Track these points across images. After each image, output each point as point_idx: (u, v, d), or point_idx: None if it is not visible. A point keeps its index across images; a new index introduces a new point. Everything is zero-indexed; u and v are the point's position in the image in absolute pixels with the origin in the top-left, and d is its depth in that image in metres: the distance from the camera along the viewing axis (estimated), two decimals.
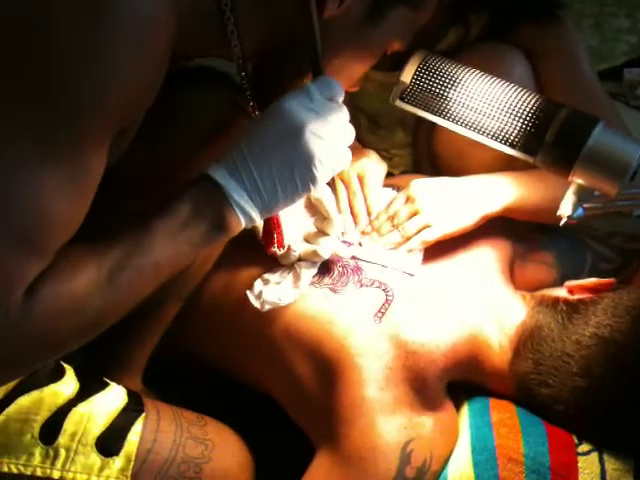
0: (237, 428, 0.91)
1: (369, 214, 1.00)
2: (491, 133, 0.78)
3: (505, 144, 0.77)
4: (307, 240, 0.95)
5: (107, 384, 0.84)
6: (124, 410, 0.81)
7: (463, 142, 0.85)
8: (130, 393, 0.85)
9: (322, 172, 0.70)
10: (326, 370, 0.87)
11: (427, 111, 0.81)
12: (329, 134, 0.70)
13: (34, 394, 0.77)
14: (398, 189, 1.04)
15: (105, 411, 0.80)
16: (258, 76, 0.82)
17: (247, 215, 0.69)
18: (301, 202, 0.96)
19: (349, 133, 0.74)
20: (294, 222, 0.95)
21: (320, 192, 0.91)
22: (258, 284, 0.93)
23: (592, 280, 0.91)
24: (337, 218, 0.92)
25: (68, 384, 0.80)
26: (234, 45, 0.73)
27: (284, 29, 0.75)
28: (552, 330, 0.88)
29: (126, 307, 0.67)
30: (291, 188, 0.70)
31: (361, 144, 1.18)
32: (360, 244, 0.98)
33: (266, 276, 0.94)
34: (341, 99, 0.74)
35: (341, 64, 0.79)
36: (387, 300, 0.90)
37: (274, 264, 0.95)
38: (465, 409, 0.90)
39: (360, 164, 1.03)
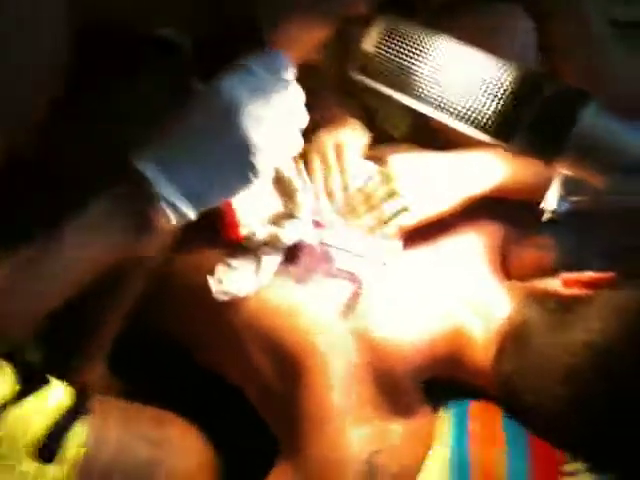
0: (204, 418, 0.85)
1: (345, 190, 0.90)
2: (460, 113, 0.67)
3: (476, 127, 0.66)
4: (274, 222, 0.86)
5: (49, 382, 0.79)
6: (66, 411, 0.76)
7: None
8: (77, 391, 0.79)
9: (263, 161, 0.61)
10: (288, 368, 0.80)
11: (390, 86, 0.70)
12: (272, 117, 0.61)
13: None
14: (382, 162, 0.94)
15: (43, 413, 0.75)
16: (207, 50, 0.73)
17: (178, 211, 0.61)
18: (268, 179, 0.87)
19: (300, 114, 0.64)
20: (259, 202, 0.86)
21: (285, 168, 0.83)
22: (221, 269, 0.86)
23: (589, 274, 0.81)
24: (304, 198, 0.84)
25: (1, 384, 0.75)
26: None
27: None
28: (539, 330, 0.78)
29: (34, 313, 0.61)
30: (228, 180, 0.62)
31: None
32: (333, 225, 0.88)
33: (229, 260, 0.86)
34: (290, 74, 0.64)
35: (289, 33, 0.69)
36: (356, 293, 0.81)
37: (240, 246, 0.87)
38: (445, 412, 0.82)
39: (338, 134, 0.92)
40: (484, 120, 0.66)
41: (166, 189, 0.59)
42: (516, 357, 0.79)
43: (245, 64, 0.62)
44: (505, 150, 0.65)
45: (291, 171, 0.83)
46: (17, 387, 0.76)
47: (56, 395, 0.77)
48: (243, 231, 0.84)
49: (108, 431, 0.77)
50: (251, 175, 0.62)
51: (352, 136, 0.93)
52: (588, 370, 0.73)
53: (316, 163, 0.92)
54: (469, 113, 0.66)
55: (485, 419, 0.80)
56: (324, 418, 0.76)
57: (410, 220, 0.84)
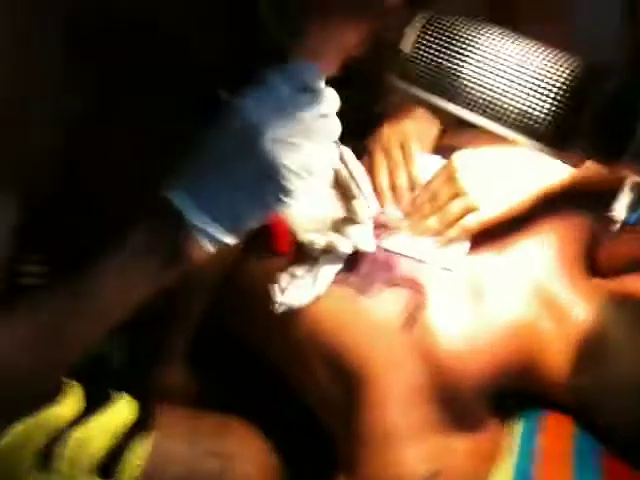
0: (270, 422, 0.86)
1: (412, 190, 0.84)
2: (509, 119, 0.59)
3: (528, 134, 0.59)
4: (335, 228, 0.82)
5: (114, 399, 0.80)
6: (130, 429, 0.78)
7: None
8: (141, 407, 0.81)
9: (296, 181, 0.58)
10: (348, 382, 0.77)
11: (431, 91, 0.63)
12: (300, 135, 0.57)
13: (28, 421, 0.75)
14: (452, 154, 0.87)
15: (107, 432, 0.77)
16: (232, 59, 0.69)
17: (212, 238, 0.59)
18: (328, 181, 0.83)
19: (331, 127, 0.60)
20: (318, 207, 0.83)
21: (347, 168, 0.78)
22: (284, 278, 0.83)
23: None
24: (363, 205, 0.79)
25: (67, 405, 0.77)
26: None
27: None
28: (619, 338, 0.71)
29: (74, 355, 0.61)
30: (260, 202, 0.59)
31: None
32: (399, 227, 0.83)
33: (292, 269, 0.84)
34: (318, 85, 0.59)
35: (317, 44, 0.64)
36: (419, 303, 0.76)
37: (303, 253, 0.84)
38: (515, 424, 0.76)
39: (402, 128, 0.86)
40: (536, 125, 0.58)
41: (198, 217, 0.57)
42: (593, 368, 0.72)
43: (267, 80, 0.58)
44: (561, 159, 0.57)
45: (349, 175, 0.78)
46: (82, 405, 0.78)
47: (119, 413, 0.79)
48: (303, 238, 0.81)
49: (173, 446, 0.78)
50: (283, 196, 0.58)
51: (418, 128, 0.86)
52: None
53: (380, 160, 0.86)
54: (519, 118, 0.58)
55: (557, 433, 0.74)
56: (382, 436, 0.73)
57: (478, 221, 0.77)
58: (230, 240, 0.59)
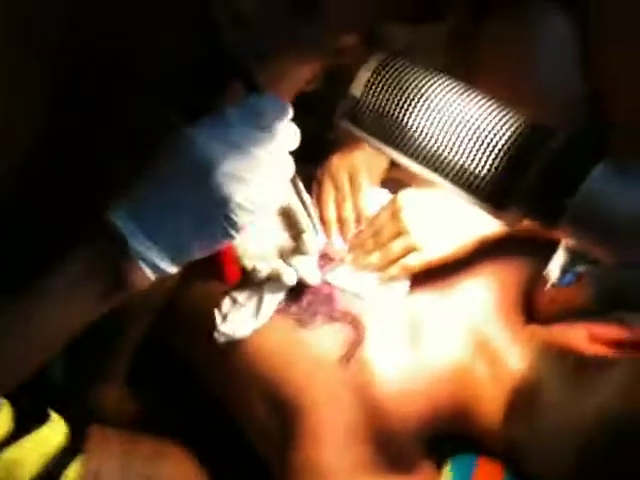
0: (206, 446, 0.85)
1: (358, 223, 0.84)
2: (451, 172, 0.59)
3: (467, 189, 0.59)
4: (281, 257, 0.82)
5: (46, 419, 0.79)
6: (61, 451, 0.76)
7: None
8: (73, 428, 0.79)
9: (244, 216, 0.57)
10: (284, 415, 0.77)
11: (376, 136, 0.63)
12: (252, 172, 0.56)
13: None
14: (400, 188, 0.87)
15: (37, 454, 0.75)
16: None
17: (154, 266, 0.58)
18: (273, 213, 0.82)
19: (285, 164, 0.59)
20: (265, 233, 0.82)
21: (290, 200, 0.78)
22: (226, 303, 0.83)
23: (619, 331, 0.72)
24: (311, 236, 0.78)
25: None
26: None
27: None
28: (553, 391, 0.71)
29: (10, 377, 0.60)
30: (207, 236, 0.58)
31: None
32: (342, 260, 0.83)
33: (234, 294, 0.83)
34: (278, 121, 0.59)
35: (279, 73, 0.63)
36: (357, 340, 0.77)
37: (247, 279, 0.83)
38: (448, 470, 0.77)
39: (352, 159, 0.86)
40: (476, 181, 0.58)
41: (141, 244, 0.56)
42: (526, 419, 0.72)
43: (223, 114, 0.57)
44: (498, 218, 0.58)
45: (299, 206, 0.78)
46: (12, 426, 0.76)
47: (52, 434, 0.78)
48: (247, 265, 0.81)
49: (105, 469, 0.77)
50: (231, 230, 0.58)
51: (368, 160, 0.86)
52: (603, 442, 0.66)
53: (329, 191, 0.86)
54: (459, 172, 0.59)
55: (490, 477, 0.74)
56: (315, 474, 0.72)
57: (419, 261, 0.77)
58: (172, 269, 0.58)
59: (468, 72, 0.78)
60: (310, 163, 0.92)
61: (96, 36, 0.60)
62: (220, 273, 0.78)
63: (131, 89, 0.65)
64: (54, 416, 0.79)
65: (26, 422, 0.77)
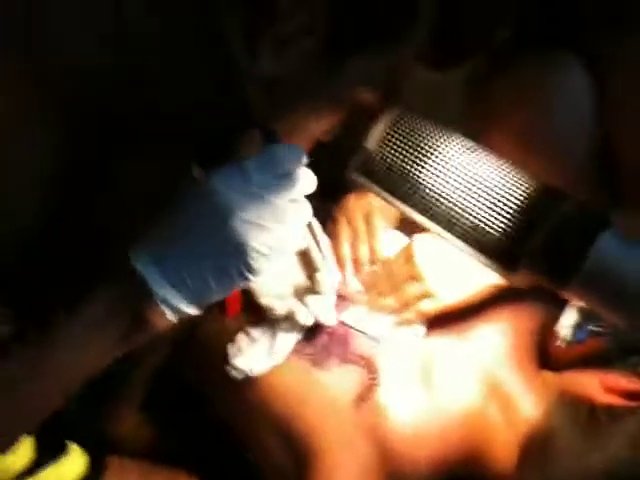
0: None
1: (372, 263, 0.85)
2: (462, 231, 0.60)
3: (478, 248, 0.60)
4: (296, 295, 0.83)
5: (65, 450, 0.81)
6: None
7: None
8: (92, 459, 0.81)
9: (262, 261, 0.58)
10: (297, 453, 0.77)
11: (389, 191, 0.64)
12: (270, 218, 0.58)
13: None
14: (416, 230, 0.88)
15: None
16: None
17: (175, 309, 0.59)
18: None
19: (303, 210, 0.60)
20: (283, 272, 0.83)
21: (313, 239, 0.79)
22: (241, 338, 0.84)
23: (627, 383, 0.72)
24: (326, 277, 0.79)
25: (18, 455, 0.77)
26: None
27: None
28: (566, 441, 0.71)
29: (28, 419, 0.62)
30: (225, 280, 0.59)
31: None
32: (357, 301, 0.84)
33: (249, 330, 0.84)
34: (296, 170, 0.60)
35: (297, 126, 0.64)
36: (371, 384, 0.77)
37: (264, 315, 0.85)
38: None
39: (368, 201, 0.87)
40: (487, 241, 0.59)
41: (162, 287, 0.58)
42: (539, 466, 0.73)
43: (243, 164, 0.58)
44: (508, 278, 0.58)
45: (315, 246, 0.79)
46: (33, 455, 0.78)
47: (72, 466, 0.79)
48: (264, 303, 0.82)
49: None
50: (249, 275, 0.59)
51: (382, 204, 0.87)
52: None
53: (344, 231, 0.87)
54: (470, 231, 0.60)
55: None
56: None
57: (433, 306, 0.78)
58: (192, 311, 0.60)
59: (484, 118, 0.79)
60: (324, 199, 0.93)
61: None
62: (222, 306, 0.80)
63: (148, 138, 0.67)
64: (74, 447, 0.81)
65: (46, 453, 0.79)
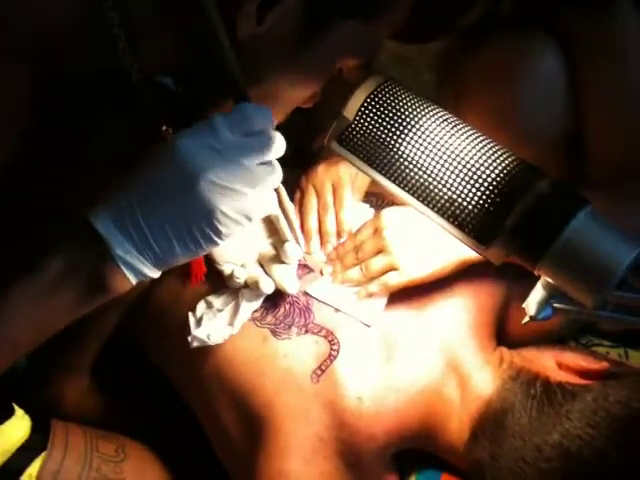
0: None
1: (339, 235, 0.85)
2: (438, 204, 0.60)
3: (454, 222, 0.60)
4: (261, 263, 0.82)
5: (11, 414, 0.78)
6: (22, 448, 0.76)
7: None
8: (36, 425, 0.78)
9: (229, 224, 0.57)
10: (251, 426, 0.77)
11: (366, 162, 0.63)
12: (239, 181, 0.56)
13: None
14: (383, 202, 0.87)
15: (1, 450, 0.74)
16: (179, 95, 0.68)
17: (137, 271, 0.57)
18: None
19: (273, 174, 0.59)
20: (246, 239, 0.82)
21: (274, 210, 0.77)
22: (200, 307, 0.82)
23: (586, 360, 0.74)
24: (293, 245, 0.78)
25: None
26: (130, 65, 0.60)
27: (196, 49, 0.60)
28: (517, 421, 0.73)
29: None
30: (191, 242, 0.58)
31: None
32: (321, 272, 0.83)
33: (210, 298, 0.83)
34: (265, 130, 0.58)
35: (273, 90, 0.63)
36: (330, 355, 0.77)
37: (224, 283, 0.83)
38: None
39: (337, 171, 0.86)
40: (463, 215, 0.59)
41: (123, 248, 0.56)
42: (490, 445, 0.73)
43: (211, 122, 0.57)
44: (481, 253, 0.59)
45: (283, 215, 0.77)
46: None
47: (15, 430, 0.77)
48: (225, 270, 0.81)
49: (66, 469, 0.77)
50: (216, 239, 0.57)
51: (352, 173, 0.86)
52: (563, 469, 0.68)
53: (311, 201, 0.86)
54: (447, 205, 0.59)
55: None
56: None
57: (399, 280, 0.78)
58: (153, 274, 0.58)
59: (455, 96, 0.79)
60: (295, 169, 0.91)
61: None
62: (185, 273, 0.78)
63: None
64: (18, 411, 0.78)
65: None
